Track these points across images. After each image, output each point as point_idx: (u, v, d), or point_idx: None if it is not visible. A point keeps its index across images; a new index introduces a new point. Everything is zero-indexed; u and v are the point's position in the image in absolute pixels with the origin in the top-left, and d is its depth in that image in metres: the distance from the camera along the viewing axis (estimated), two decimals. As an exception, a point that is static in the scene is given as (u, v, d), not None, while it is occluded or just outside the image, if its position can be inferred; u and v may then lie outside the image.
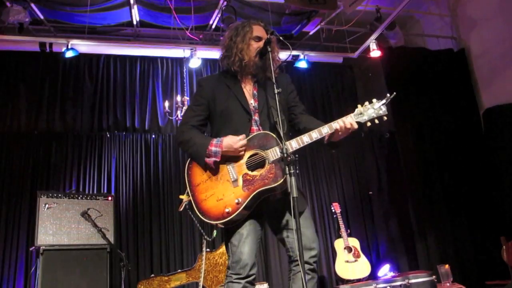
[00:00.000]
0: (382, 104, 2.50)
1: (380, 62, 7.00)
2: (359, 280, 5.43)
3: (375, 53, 6.74)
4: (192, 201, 2.54)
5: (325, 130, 2.48)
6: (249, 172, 2.48)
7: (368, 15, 6.60)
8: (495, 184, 6.23)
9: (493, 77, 6.53)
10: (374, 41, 6.75)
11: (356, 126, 2.49)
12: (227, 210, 2.42)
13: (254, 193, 2.42)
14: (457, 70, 6.89)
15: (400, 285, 4.89)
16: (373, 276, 5.78)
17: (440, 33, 7.33)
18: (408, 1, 6.21)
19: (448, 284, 5.11)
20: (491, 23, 6.51)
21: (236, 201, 2.42)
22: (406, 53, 7.08)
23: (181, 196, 2.65)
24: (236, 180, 2.47)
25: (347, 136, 2.55)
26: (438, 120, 6.68)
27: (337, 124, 2.47)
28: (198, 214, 2.50)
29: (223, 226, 2.55)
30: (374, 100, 2.52)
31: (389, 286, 4.91)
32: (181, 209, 2.68)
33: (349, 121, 2.48)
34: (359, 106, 2.52)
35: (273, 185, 2.40)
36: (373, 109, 2.50)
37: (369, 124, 2.51)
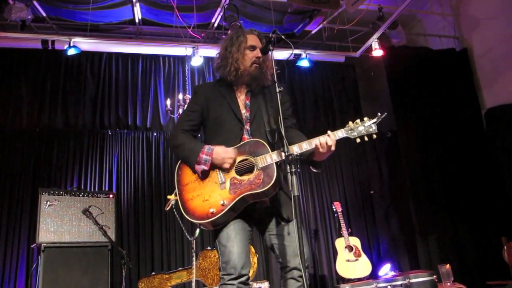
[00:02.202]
0: (373, 123, 2.54)
1: (382, 61, 6.99)
2: (359, 279, 5.43)
3: (377, 52, 6.73)
4: (179, 200, 2.58)
5: (305, 145, 2.48)
6: (237, 176, 2.50)
7: (370, 14, 6.59)
8: (496, 183, 6.22)
9: (495, 77, 6.51)
10: (376, 40, 6.74)
11: (333, 145, 2.47)
12: (211, 210, 2.44)
13: (240, 196, 2.44)
14: (459, 70, 6.87)
15: (401, 285, 4.88)
16: (374, 276, 5.78)
17: (443, 32, 7.31)
18: (410, 0, 6.20)
19: (448, 284, 5.11)
20: (493, 23, 6.49)
21: (221, 202, 2.45)
22: (408, 52, 7.07)
23: (168, 196, 2.68)
24: (223, 183, 2.50)
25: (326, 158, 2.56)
26: (440, 119, 6.66)
27: (317, 140, 2.46)
28: (183, 213, 2.53)
29: (205, 228, 2.58)
30: (366, 119, 2.55)
31: (390, 285, 4.91)
32: (168, 209, 2.71)
33: (331, 138, 2.46)
34: (350, 122, 2.55)
35: (259, 190, 2.42)
36: (363, 127, 2.53)
37: (358, 140, 2.53)
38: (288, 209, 2.34)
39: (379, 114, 2.55)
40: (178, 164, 2.66)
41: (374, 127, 2.53)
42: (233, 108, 2.66)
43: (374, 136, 2.55)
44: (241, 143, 2.57)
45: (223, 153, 2.50)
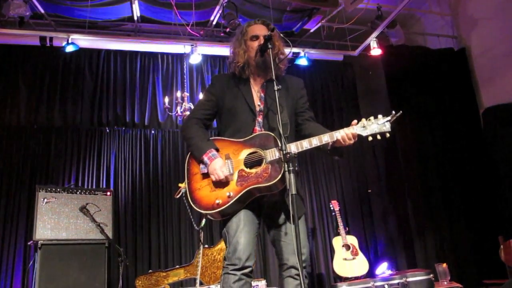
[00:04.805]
0: (387, 121, 2.49)
1: (380, 61, 6.99)
2: (356, 278, 5.44)
3: (376, 51, 6.73)
4: (187, 189, 2.60)
5: (325, 138, 2.48)
6: (245, 169, 2.52)
7: (369, 13, 6.59)
8: (493, 183, 6.23)
9: (493, 77, 6.52)
10: (374, 39, 6.74)
11: (355, 138, 2.50)
12: (217, 201, 2.46)
13: (246, 189, 2.45)
14: (457, 69, 6.89)
15: (398, 283, 4.90)
16: (371, 274, 5.79)
17: (441, 32, 7.32)
18: (409, -1, 6.21)
19: (445, 282, 5.12)
20: (492, 23, 6.50)
21: (228, 194, 2.47)
22: (407, 51, 7.07)
23: (179, 184, 2.70)
24: (231, 175, 2.51)
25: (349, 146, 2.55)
26: (437, 118, 6.68)
27: (338, 134, 2.47)
28: (190, 202, 2.54)
29: (213, 218, 2.58)
30: (380, 116, 2.51)
31: (387, 284, 4.92)
32: (177, 196, 2.72)
33: (350, 132, 2.48)
34: (363, 119, 2.51)
35: (265, 184, 2.42)
36: (377, 125, 2.49)
37: (370, 138, 2.50)
38: (297, 207, 2.29)
39: (393, 112, 2.49)
40: (189, 154, 2.68)
41: (388, 125, 2.49)
42: (247, 99, 2.67)
43: (387, 135, 2.50)
44: (252, 135, 2.58)
45: (219, 168, 2.49)
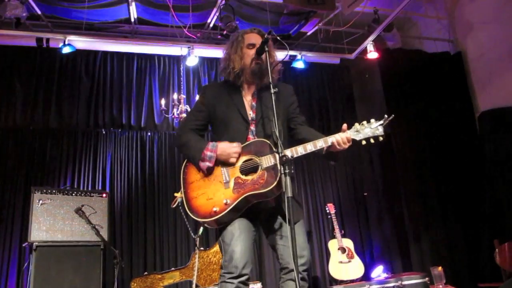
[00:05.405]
0: (380, 125, 2.52)
1: (377, 64, 7.01)
2: (352, 281, 5.44)
3: (372, 54, 6.74)
4: (184, 198, 2.60)
5: (320, 143, 2.49)
6: (242, 176, 2.53)
7: (366, 17, 6.60)
8: (489, 187, 6.25)
9: (489, 81, 6.54)
10: (371, 42, 6.75)
11: (350, 142, 2.52)
12: (214, 209, 2.47)
13: (243, 196, 2.45)
14: (453, 73, 6.91)
15: (393, 287, 4.89)
16: (366, 277, 5.79)
17: (437, 35, 7.34)
18: (406, 3, 6.22)
19: (441, 286, 5.12)
20: (488, 27, 6.53)
21: (225, 201, 2.47)
22: (403, 55, 7.09)
23: (175, 194, 2.70)
24: (228, 182, 2.52)
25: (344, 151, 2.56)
26: (433, 122, 6.69)
27: (333, 139, 2.49)
28: (187, 211, 2.55)
29: (209, 226, 2.59)
30: (372, 120, 2.54)
31: (382, 287, 4.92)
32: (174, 206, 2.72)
33: (345, 136, 2.49)
34: (356, 124, 2.54)
35: (262, 191, 2.43)
36: (370, 129, 2.52)
37: (364, 142, 2.52)
38: (294, 211, 2.29)
39: (385, 116, 2.52)
40: (184, 163, 2.69)
41: (380, 129, 2.52)
42: (239, 108, 2.68)
43: (381, 138, 2.53)
44: (247, 143, 2.60)
45: (228, 148, 2.54)
